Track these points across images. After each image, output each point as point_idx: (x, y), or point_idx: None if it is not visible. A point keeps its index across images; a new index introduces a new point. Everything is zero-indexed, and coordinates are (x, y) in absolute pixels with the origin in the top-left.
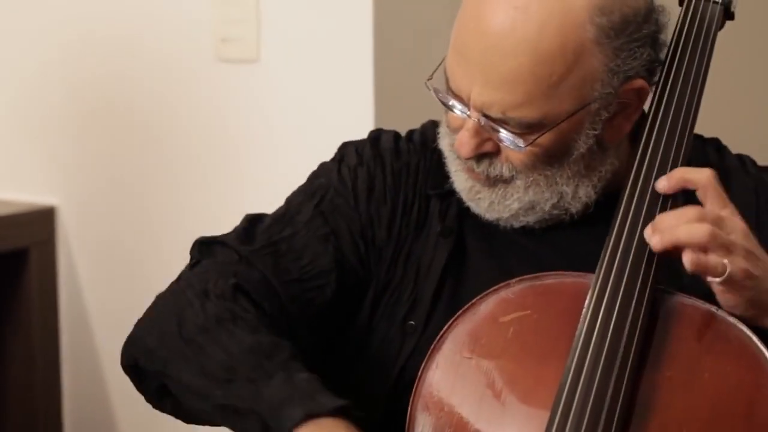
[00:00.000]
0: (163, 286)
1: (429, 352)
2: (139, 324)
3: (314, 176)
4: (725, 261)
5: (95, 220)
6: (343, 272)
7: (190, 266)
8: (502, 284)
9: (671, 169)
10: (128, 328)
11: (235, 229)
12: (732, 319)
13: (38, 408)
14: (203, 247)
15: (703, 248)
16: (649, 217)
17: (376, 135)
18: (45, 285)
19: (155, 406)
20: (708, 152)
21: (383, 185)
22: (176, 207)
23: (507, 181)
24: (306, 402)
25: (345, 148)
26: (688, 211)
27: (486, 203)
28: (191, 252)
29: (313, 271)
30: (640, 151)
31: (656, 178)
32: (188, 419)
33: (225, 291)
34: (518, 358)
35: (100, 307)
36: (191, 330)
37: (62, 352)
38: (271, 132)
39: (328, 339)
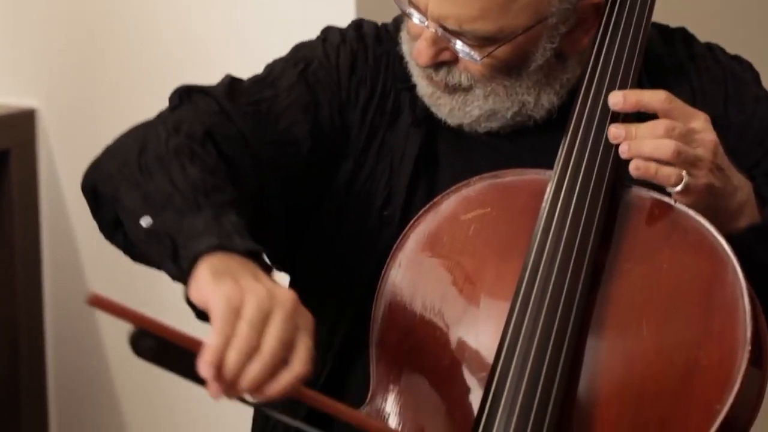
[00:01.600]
0: None
1: (392, 252)
2: (106, 150)
3: (296, 49)
4: (683, 173)
5: (76, 122)
6: (318, 144)
7: (170, 109)
8: (462, 183)
9: (623, 74)
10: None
11: (218, 84)
12: (690, 212)
13: (19, 310)
14: (184, 94)
15: (668, 162)
16: (604, 114)
17: (358, 23)
18: (26, 187)
19: (109, 238)
20: (675, 45)
21: (365, 66)
22: (158, 110)
23: (466, 90)
24: (222, 237)
25: (328, 30)
26: (659, 126)
27: (446, 109)
28: (171, 99)
29: (289, 137)
30: (592, 59)
31: (610, 79)
32: (132, 255)
33: (195, 133)
34: (479, 255)
35: (81, 209)
36: (149, 158)
37: (43, 253)
38: (253, 31)
39: (303, 213)
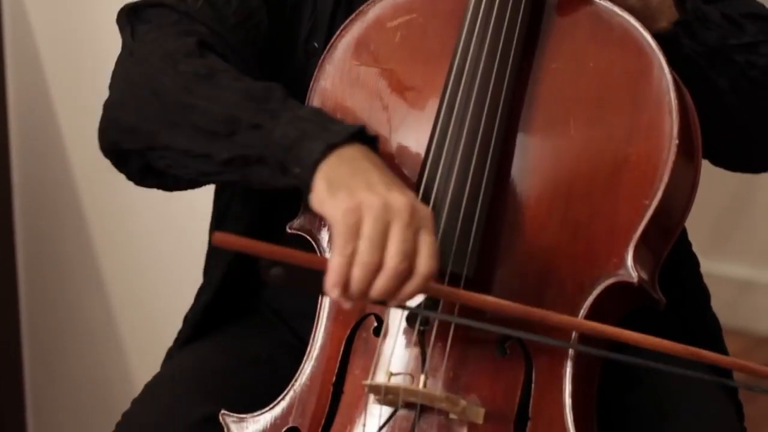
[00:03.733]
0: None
1: (319, 62)
2: (109, 106)
3: None
4: None
5: None
6: (269, 2)
7: (131, 35)
8: None
9: None
10: (83, 70)
11: None
12: (616, 8)
13: None
14: (132, 14)
15: None
16: None
17: None
18: None
19: (138, 183)
20: None
21: None
22: None
23: None
24: (321, 134)
25: None
26: None
27: None
28: (118, 21)
29: (246, 12)
30: None
31: None
32: (174, 186)
33: (190, 49)
34: (406, 62)
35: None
36: (172, 95)
37: (9, 97)
38: None
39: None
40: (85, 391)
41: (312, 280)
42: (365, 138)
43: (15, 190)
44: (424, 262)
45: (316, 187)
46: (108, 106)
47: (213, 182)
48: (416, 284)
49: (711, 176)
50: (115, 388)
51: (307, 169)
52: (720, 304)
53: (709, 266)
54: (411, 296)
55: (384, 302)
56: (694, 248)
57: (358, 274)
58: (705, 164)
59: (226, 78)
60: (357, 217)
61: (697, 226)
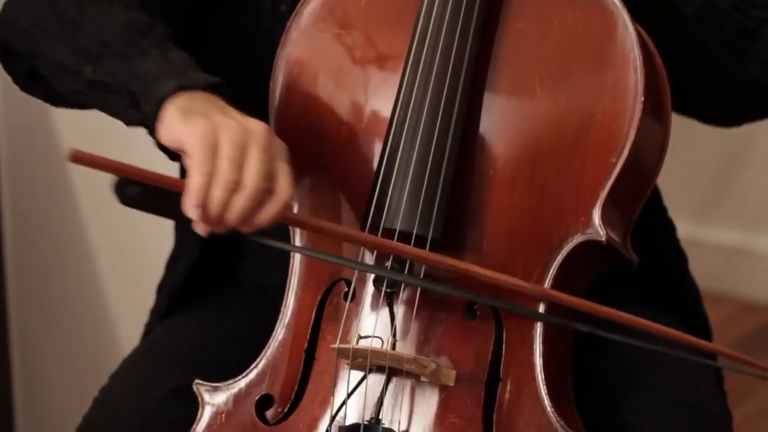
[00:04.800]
0: None
1: (285, 29)
2: (9, 4)
3: None
4: None
5: None
6: None
7: None
8: None
9: None
10: None
11: None
12: None
13: None
14: None
15: None
16: None
17: None
18: None
19: (24, 89)
20: None
21: None
22: None
23: None
24: (179, 76)
25: None
26: None
27: None
28: None
29: None
30: None
31: None
32: (59, 102)
33: None
34: (372, 26)
35: None
36: (65, 7)
37: None
38: None
39: (198, 28)
40: (73, 356)
41: (170, 203)
42: (226, 93)
43: (1, 155)
44: (284, 185)
45: (167, 116)
46: (8, 2)
47: (80, 103)
48: (275, 208)
49: (700, 142)
50: (103, 353)
51: (155, 104)
52: (709, 270)
53: (698, 232)
54: (268, 221)
55: (240, 233)
56: (683, 214)
57: (217, 194)
58: (693, 131)
59: (120, 5)
60: (215, 137)
61: (686, 192)
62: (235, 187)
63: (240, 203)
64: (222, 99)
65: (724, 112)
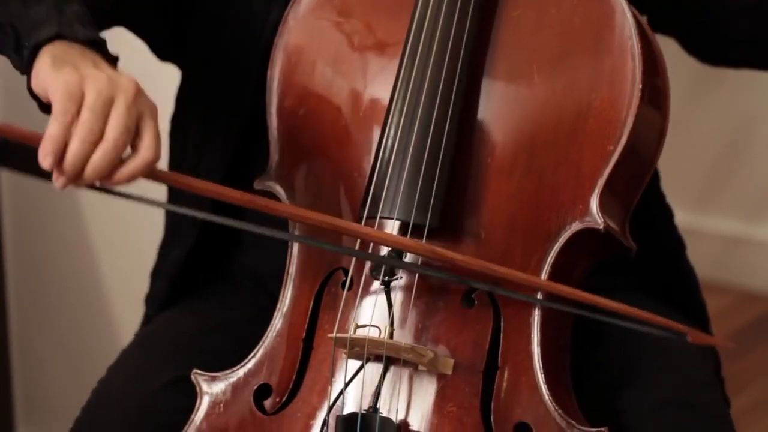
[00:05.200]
0: None
1: (284, 17)
2: None
3: None
4: None
5: None
6: None
7: None
8: None
9: None
10: None
11: None
12: None
13: None
14: None
15: None
16: None
17: None
18: None
19: None
20: None
21: None
22: None
23: None
24: (63, 26)
25: None
26: None
27: None
28: None
29: None
30: None
31: None
32: None
33: None
34: (370, 14)
35: None
36: None
37: None
38: None
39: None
40: (72, 348)
41: (29, 157)
42: (106, 54)
43: None
44: (148, 143)
45: (39, 62)
46: None
47: None
48: (136, 165)
49: (700, 131)
50: (102, 344)
51: (30, 48)
52: (709, 259)
53: (698, 221)
54: (129, 178)
55: (100, 187)
56: (683, 203)
57: (75, 143)
58: (694, 119)
59: None
60: (80, 87)
61: (686, 181)
62: (94, 139)
63: (98, 157)
64: (102, 57)
65: (709, 44)
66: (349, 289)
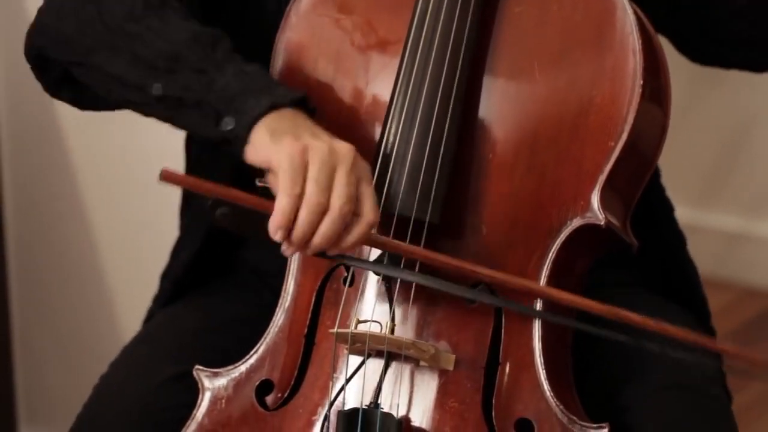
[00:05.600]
0: None
1: (285, 14)
2: (45, 11)
3: None
4: None
5: None
6: None
7: None
8: None
9: None
10: None
11: None
12: None
13: None
14: None
15: None
16: None
17: None
18: None
19: (52, 94)
20: None
21: None
22: None
23: None
24: (266, 93)
25: None
26: None
27: None
28: None
29: None
30: None
31: None
32: (89, 106)
33: None
34: (372, 11)
35: None
36: (117, 17)
37: None
38: None
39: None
40: (73, 340)
41: (257, 223)
42: (307, 106)
43: (2, 133)
44: (369, 208)
45: (257, 136)
46: (44, 10)
47: (134, 111)
48: (360, 230)
49: (701, 127)
50: (105, 341)
51: (247, 121)
52: (710, 256)
53: (699, 217)
54: (354, 244)
55: (324, 254)
56: (684, 199)
57: (304, 216)
58: (695, 116)
59: (177, 15)
60: (304, 159)
61: (687, 177)
62: (322, 210)
63: (326, 226)
64: (306, 113)
65: (702, 44)
66: (351, 284)
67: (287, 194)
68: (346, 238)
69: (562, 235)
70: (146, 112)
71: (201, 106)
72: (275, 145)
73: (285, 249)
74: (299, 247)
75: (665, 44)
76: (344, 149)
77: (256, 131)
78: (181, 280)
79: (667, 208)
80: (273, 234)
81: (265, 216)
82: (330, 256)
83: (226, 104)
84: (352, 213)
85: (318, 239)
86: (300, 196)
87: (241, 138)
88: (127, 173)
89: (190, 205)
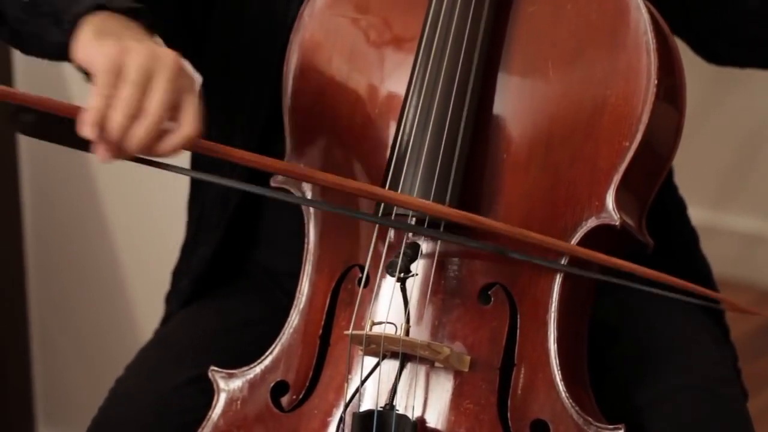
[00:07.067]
0: None
1: (299, 14)
2: None
3: None
4: None
5: None
6: None
7: None
8: None
9: None
10: None
11: None
12: None
13: None
14: None
15: None
16: None
17: None
18: None
19: None
20: None
21: None
22: None
23: None
24: None
25: None
26: None
27: None
28: None
29: None
30: None
31: None
32: (22, 47)
33: None
34: (386, 10)
35: None
36: None
37: None
38: None
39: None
40: (91, 341)
41: (70, 130)
42: (146, 23)
43: (21, 138)
44: (189, 118)
45: (82, 34)
46: None
47: (26, 32)
48: (177, 140)
49: (717, 129)
50: (122, 344)
51: (72, 20)
52: (727, 258)
53: (716, 219)
54: (171, 152)
55: (143, 159)
56: (701, 201)
57: (116, 117)
58: (711, 117)
59: None
60: (122, 60)
61: (704, 179)
62: (135, 112)
63: (140, 130)
64: (140, 25)
65: (718, 44)
66: (365, 285)
67: (100, 94)
68: (162, 145)
69: (577, 236)
70: (26, 29)
71: (47, 10)
72: (97, 44)
73: (97, 151)
74: (112, 149)
75: (682, 46)
76: (168, 57)
77: (81, 30)
78: (201, 278)
79: (680, 206)
80: (83, 130)
81: (75, 122)
82: (150, 161)
83: (65, 6)
84: (172, 120)
85: (131, 143)
86: (113, 97)
87: (66, 35)
88: (145, 173)
89: (197, 197)
